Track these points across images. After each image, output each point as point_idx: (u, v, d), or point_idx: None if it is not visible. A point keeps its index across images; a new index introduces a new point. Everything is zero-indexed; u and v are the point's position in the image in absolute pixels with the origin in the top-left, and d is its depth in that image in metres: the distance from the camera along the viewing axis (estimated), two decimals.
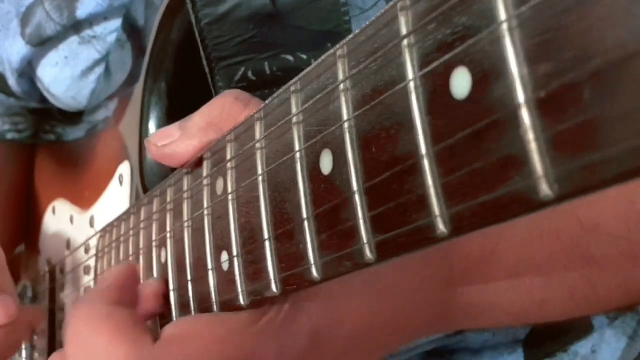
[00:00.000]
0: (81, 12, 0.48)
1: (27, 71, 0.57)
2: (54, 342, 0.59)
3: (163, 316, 0.35)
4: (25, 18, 0.53)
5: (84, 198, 0.57)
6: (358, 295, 0.30)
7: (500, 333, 0.50)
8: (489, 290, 0.34)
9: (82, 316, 0.31)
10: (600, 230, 0.32)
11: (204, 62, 0.38)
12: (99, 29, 0.50)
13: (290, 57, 0.38)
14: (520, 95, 0.16)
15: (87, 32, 0.50)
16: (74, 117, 0.65)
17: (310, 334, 0.29)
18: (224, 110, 0.31)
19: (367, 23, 0.22)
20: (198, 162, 0.33)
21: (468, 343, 0.50)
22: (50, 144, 0.70)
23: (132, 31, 0.50)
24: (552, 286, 0.34)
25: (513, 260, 0.33)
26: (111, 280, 0.34)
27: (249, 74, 0.38)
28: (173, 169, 0.36)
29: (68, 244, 0.58)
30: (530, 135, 0.16)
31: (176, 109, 0.45)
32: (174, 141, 0.32)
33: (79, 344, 0.30)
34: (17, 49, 0.54)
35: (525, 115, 0.16)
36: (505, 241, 0.33)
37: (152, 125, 0.45)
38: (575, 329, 0.50)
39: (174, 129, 0.33)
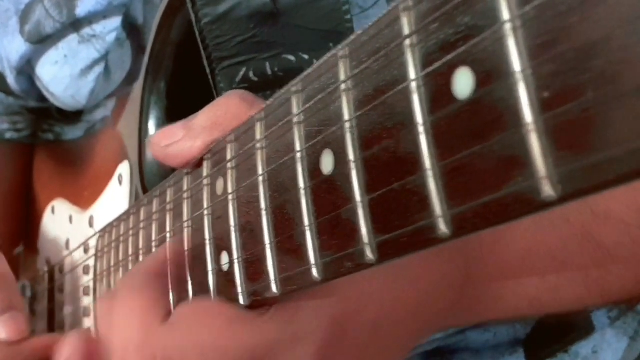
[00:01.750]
0: (81, 10, 0.48)
1: (27, 69, 0.57)
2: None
3: None
4: (24, 16, 0.53)
5: (84, 198, 0.57)
6: (381, 281, 0.30)
7: (501, 333, 0.50)
8: (505, 276, 0.34)
9: (123, 284, 0.31)
10: (612, 218, 0.33)
11: (205, 63, 0.37)
12: (98, 27, 0.50)
13: (292, 57, 0.38)
14: (524, 96, 0.16)
15: (87, 31, 0.50)
16: (72, 116, 0.65)
17: (332, 322, 0.28)
18: (229, 111, 0.30)
19: (370, 24, 0.22)
20: (198, 163, 0.32)
21: (469, 343, 0.50)
22: (48, 144, 0.70)
23: (131, 30, 0.50)
24: (566, 272, 0.34)
25: (525, 247, 0.33)
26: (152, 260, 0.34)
27: (251, 74, 0.37)
28: (173, 169, 0.36)
29: (67, 244, 0.58)
30: (534, 136, 0.16)
31: (176, 109, 0.45)
32: (178, 141, 0.32)
33: (114, 311, 0.30)
34: (16, 47, 0.54)
35: (528, 116, 0.16)
36: (516, 227, 0.33)
37: (151, 125, 0.45)
38: (577, 329, 0.50)
39: (177, 128, 0.32)
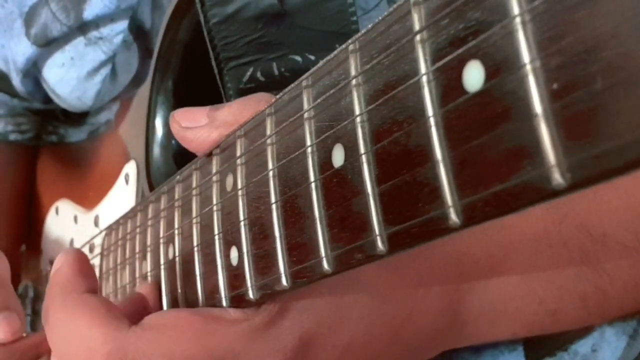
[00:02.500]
0: (88, 13, 0.49)
1: (33, 71, 0.57)
2: None
3: None
4: (29, 18, 0.54)
5: (88, 198, 0.57)
6: (355, 304, 0.30)
7: None
8: (500, 301, 0.34)
9: (57, 306, 0.32)
10: (610, 241, 0.33)
11: (213, 63, 0.38)
12: (105, 30, 0.50)
13: (298, 58, 0.38)
14: (533, 87, 0.17)
15: (94, 34, 0.51)
16: (77, 118, 0.65)
17: (300, 341, 0.29)
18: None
19: (379, 19, 0.22)
20: (208, 158, 0.33)
21: None
22: (52, 146, 0.70)
23: (138, 33, 0.50)
24: (564, 296, 0.35)
25: (523, 270, 0.34)
26: (68, 269, 0.34)
27: (258, 74, 0.38)
28: (179, 167, 0.36)
29: (71, 243, 0.58)
30: (543, 126, 0.16)
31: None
32: (200, 127, 0.32)
33: (59, 333, 0.31)
34: (22, 50, 0.55)
35: (538, 107, 0.17)
36: (514, 251, 0.33)
37: (158, 124, 0.45)
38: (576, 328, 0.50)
39: (202, 114, 0.32)
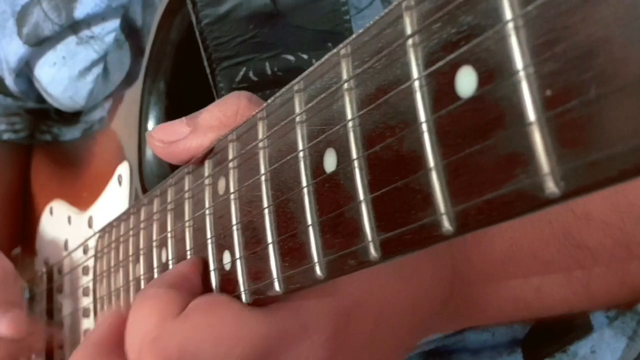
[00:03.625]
0: (79, 12, 0.48)
1: (25, 71, 0.57)
2: (51, 346, 0.59)
3: None
4: (21, 17, 0.53)
5: (82, 199, 0.57)
6: (381, 279, 0.30)
7: (499, 333, 0.50)
8: (488, 276, 0.35)
9: (138, 295, 0.31)
10: (593, 219, 0.33)
11: (205, 63, 0.38)
12: (97, 29, 0.50)
13: (291, 57, 0.38)
14: (527, 94, 0.16)
15: (85, 33, 0.50)
16: (70, 117, 0.65)
17: (337, 312, 0.28)
18: (240, 111, 0.30)
19: (371, 22, 0.22)
20: (200, 162, 0.33)
21: (467, 343, 0.50)
22: (46, 145, 0.70)
23: (130, 32, 0.50)
24: (549, 273, 0.35)
25: (508, 245, 0.34)
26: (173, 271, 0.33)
27: (251, 74, 0.38)
28: (173, 169, 0.36)
29: (66, 244, 0.58)
30: (537, 133, 0.16)
31: (175, 109, 0.45)
32: (184, 139, 0.32)
33: (131, 316, 0.30)
34: (14, 49, 0.54)
35: (531, 113, 0.16)
36: (498, 227, 0.33)
37: (151, 125, 0.45)
38: (575, 329, 0.50)
39: (181, 125, 0.32)
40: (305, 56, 0.38)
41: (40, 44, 0.52)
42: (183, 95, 0.44)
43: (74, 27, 0.50)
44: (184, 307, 0.28)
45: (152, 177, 0.44)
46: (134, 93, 0.48)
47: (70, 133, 0.66)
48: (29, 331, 0.48)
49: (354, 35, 0.23)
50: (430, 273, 0.32)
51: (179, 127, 0.32)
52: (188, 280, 0.31)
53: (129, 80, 0.52)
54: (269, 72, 0.38)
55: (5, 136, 0.70)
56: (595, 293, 0.36)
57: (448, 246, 0.32)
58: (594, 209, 0.33)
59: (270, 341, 0.27)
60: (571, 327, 0.50)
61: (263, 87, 0.38)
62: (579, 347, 0.50)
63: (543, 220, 0.34)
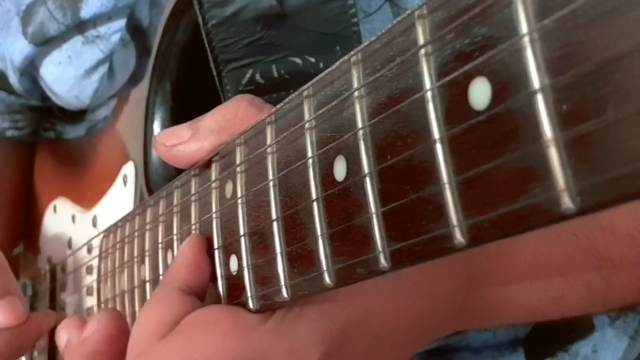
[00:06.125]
0: (85, 12, 0.48)
1: (30, 70, 0.57)
2: (54, 342, 0.59)
3: None
4: (26, 17, 0.53)
5: (86, 197, 0.57)
6: (384, 293, 0.30)
7: (501, 333, 0.50)
8: (508, 288, 0.35)
9: (153, 294, 0.31)
10: (618, 231, 0.33)
11: (212, 65, 0.37)
12: (102, 29, 0.50)
13: (298, 60, 0.38)
14: (542, 108, 0.16)
15: (91, 32, 0.50)
16: (74, 115, 0.65)
17: (333, 335, 0.28)
18: (239, 114, 0.31)
19: (383, 31, 0.22)
20: (206, 165, 0.32)
21: (469, 342, 0.50)
22: (50, 142, 0.70)
23: (136, 32, 0.50)
24: (570, 284, 0.35)
25: (530, 258, 0.34)
26: (180, 260, 0.33)
27: (257, 76, 0.37)
28: (178, 171, 0.36)
29: (70, 243, 0.58)
30: (553, 148, 0.16)
31: (181, 110, 0.45)
32: (185, 142, 0.32)
33: (138, 316, 0.31)
34: (19, 48, 0.54)
35: (547, 128, 0.16)
36: (522, 239, 0.33)
37: (156, 126, 0.45)
38: (577, 328, 0.50)
39: (184, 129, 0.32)
40: (312, 59, 0.38)
41: (45, 43, 0.52)
42: (189, 96, 0.44)
43: (79, 26, 0.50)
44: (179, 318, 0.29)
45: (157, 178, 0.44)
46: (139, 93, 0.48)
47: (74, 131, 0.66)
48: (25, 318, 0.47)
49: (365, 43, 0.22)
50: (444, 289, 0.32)
51: (181, 131, 0.33)
52: (197, 268, 0.31)
53: (134, 80, 0.52)
54: (275, 74, 0.38)
55: (9, 133, 0.70)
56: (612, 300, 0.36)
57: (467, 262, 0.32)
58: (619, 221, 0.33)
59: None
60: (573, 326, 0.50)
61: (270, 89, 0.38)
62: (581, 347, 0.50)
63: (567, 232, 0.33)
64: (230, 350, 0.27)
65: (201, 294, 0.31)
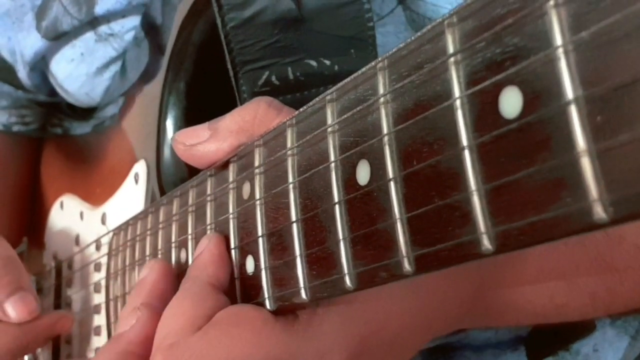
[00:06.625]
0: (99, 8, 0.48)
1: (40, 65, 0.57)
2: (58, 338, 0.59)
3: None
4: (41, 11, 0.53)
5: (95, 195, 0.57)
6: (399, 297, 0.30)
7: (502, 331, 0.50)
8: (514, 292, 0.35)
9: (181, 289, 0.31)
10: (625, 242, 0.33)
11: (229, 66, 0.38)
12: (116, 26, 0.50)
13: (313, 63, 0.38)
14: (575, 119, 0.16)
15: (104, 30, 0.50)
16: (82, 112, 0.65)
17: (355, 340, 0.29)
18: (258, 116, 0.31)
19: (412, 38, 0.22)
20: (224, 166, 0.33)
21: (470, 341, 0.50)
22: (57, 138, 0.70)
23: (149, 28, 0.50)
24: (574, 292, 0.35)
25: (538, 265, 0.34)
26: (206, 256, 0.32)
27: (273, 78, 0.38)
28: (190, 170, 0.36)
29: (77, 240, 0.58)
30: (586, 159, 0.16)
31: (194, 110, 0.45)
32: (204, 142, 0.32)
33: (168, 309, 0.31)
34: (31, 43, 0.54)
35: (580, 139, 0.16)
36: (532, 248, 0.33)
37: (169, 125, 0.45)
38: (578, 328, 0.50)
39: (203, 129, 0.33)
40: (327, 62, 0.38)
41: (58, 38, 0.52)
42: (203, 96, 0.44)
43: (92, 22, 0.50)
44: (213, 312, 0.29)
45: (169, 177, 0.44)
46: (150, 92, 0.48)
47: (81, 127, 0.66)
48: (37, 314, 0.47)
49: (392, 50, 0.23)
50: (455, 291, 0.33)
51: (200, 131, 0.33)
52: (224, 264, 0.31)
53: (145, 77, 0.52)
54: (291, 76, 0.38)
55: (15, 128, 0.70)
56: (615, 309, 0.37)
57: (477, 268, 0.33)
58: (627, 232, 0.33)
59: None
60: (574, 326, 0.50)
61: (285, 91, 0.38)
62: (582, 346, 0.50)
63: (576, 242, 0.34)
64: (264, 348, 0.27)
65: (227, 291, 0.31)
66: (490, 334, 0.50)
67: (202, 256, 0.31)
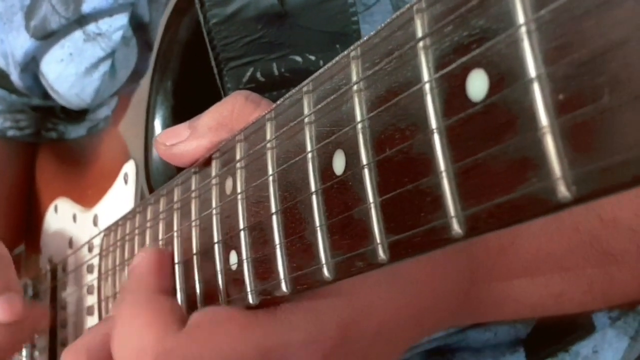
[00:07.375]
0: (87, 6, 0.49)
1: (31, 66, 0.57)
2: (55, 341, 0.59)
3: None
4: (30, 11, 0.53)
5: (87, 197, 0.57)
6: (383, 288, 0.30)
7: (502, 333, 0.50)
8: (509, 283, 0.35)
9: (126, 302, 0.32)
10: (620, 225, 0.33)
11: (213, 63, 0.38)
12: (104, 25, 0.50)
13: (298, 58, 0.38)
14: (539, 98, 0.16)
15: (92, 29, 0.50)
16: (76, 115, 0.65)
17: (338, 327, 0.29)
18: (235, 111, 0.31)
19: (382, 25, 0.22)
20: (207, 162, 0.33)
21: (469, 342, 0.50)
22: (52, 143, 0.70)
23: (137, 27, 0.50)
24: (571, 280, 0.35)
25: (532, 253, 0.34)
26: (144, 268, 0.34)
27: (258, 75, 0.38)
28: (179, 169, 0.36)
29: (70, 242, 0.58)
30: (549, 138, 0.16)
31: (182, 109, 0.45)
32: (183, 141, 0.33)
33: (120, 328, 0.31)
34: (21, 43, 0.54)
35: (543, 118, 0.16)
36: (524, 234, 0.33)
37: (157, 124, 0.45)
38: (577, 329, 0.50)
39: (182, 128, 0.33)
40: (312, 57, 0.38)
41: (47, 37, 0.52)
42: (190, 95, 0.44)
43: (80, 21, 0.50)
44: (178, 314, 0.29)
45: (158, 176, 0.44)
46: (140, 92, 0.48)
47: (76, 131, 0.66)
48: (25, 315, 0.47)
49: (364, 38, 0.23)
50: (445, 285, 0.32)
51: (180, 130, 0.33)
52: (163, 277, 0.31)
53: (135, 77, 0.52)
54: (276, 72, 0.38)
55: (10, 133, 0.70)
56: (613, 295, 0.36)
57: (469, 258, 0.32)
58: (621, 215, 0.33)
59: (274, 354, 0.27)
60: (574, 327, 0.50)
61: (270, 87, 0.38)
62: (581, 347, 0.50)
63: (570, 227, 0.33)
64: (253, 340, 0.27)
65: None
66: (490, 336, 0.50)
67: (138, 269, 0.32)
